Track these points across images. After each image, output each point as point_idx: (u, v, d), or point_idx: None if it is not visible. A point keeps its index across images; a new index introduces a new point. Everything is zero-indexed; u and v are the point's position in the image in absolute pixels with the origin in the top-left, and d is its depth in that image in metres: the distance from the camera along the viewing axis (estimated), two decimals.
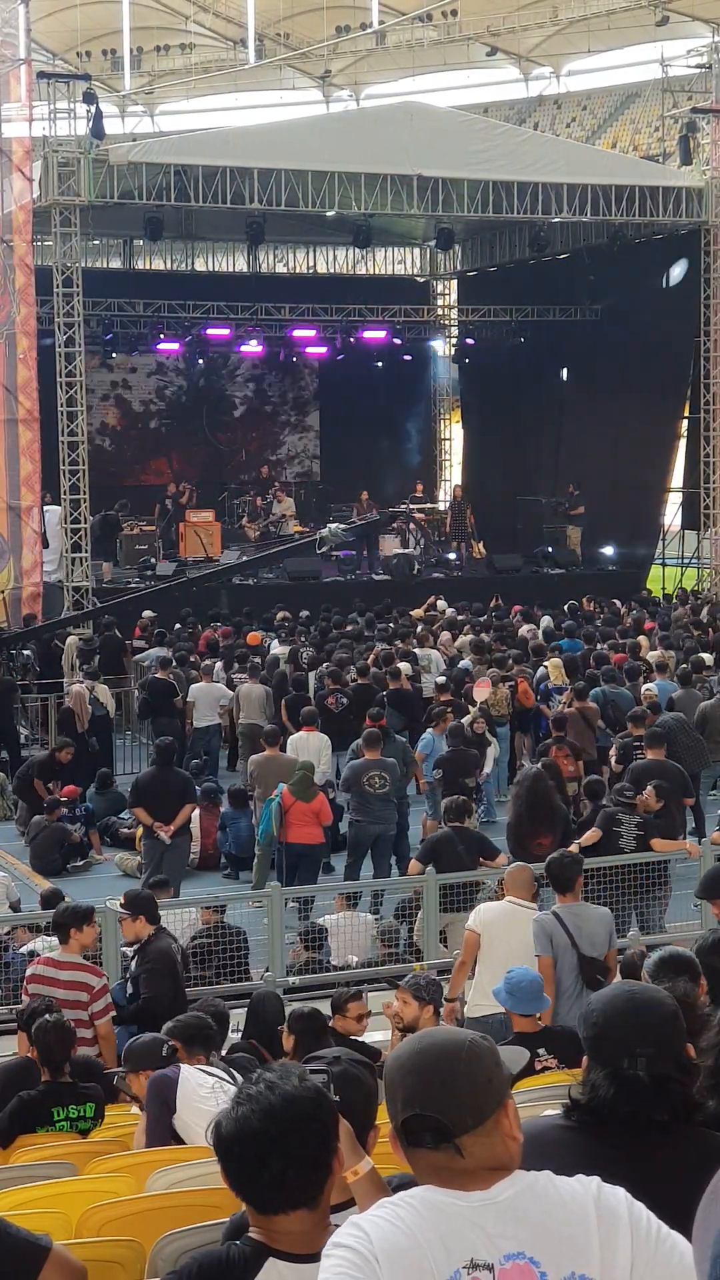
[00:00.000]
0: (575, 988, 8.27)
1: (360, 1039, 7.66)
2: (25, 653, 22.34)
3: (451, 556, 29.93)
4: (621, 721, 15.89)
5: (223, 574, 27.05)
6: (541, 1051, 6.84)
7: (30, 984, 8.19)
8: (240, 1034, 7.92)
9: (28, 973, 8.45)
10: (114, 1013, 8.45)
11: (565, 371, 32.98)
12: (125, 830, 16.42)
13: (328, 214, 26.82)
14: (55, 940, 10.91)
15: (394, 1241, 2.35)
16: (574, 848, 11.68)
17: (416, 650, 20.28)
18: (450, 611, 24.37)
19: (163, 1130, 6.13)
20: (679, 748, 14.61)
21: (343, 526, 28.49)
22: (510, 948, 8.60)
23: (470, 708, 16.74)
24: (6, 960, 10.98)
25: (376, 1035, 8.07)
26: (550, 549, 30.32)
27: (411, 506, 30.92)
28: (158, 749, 14.42)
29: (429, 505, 31.77)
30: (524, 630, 22.39)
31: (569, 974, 8.33)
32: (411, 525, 29.90)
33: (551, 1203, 2.42)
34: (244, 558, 28.26)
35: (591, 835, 12.10)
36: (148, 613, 23.40)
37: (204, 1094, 5.99)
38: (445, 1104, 2.45)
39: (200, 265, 36.39)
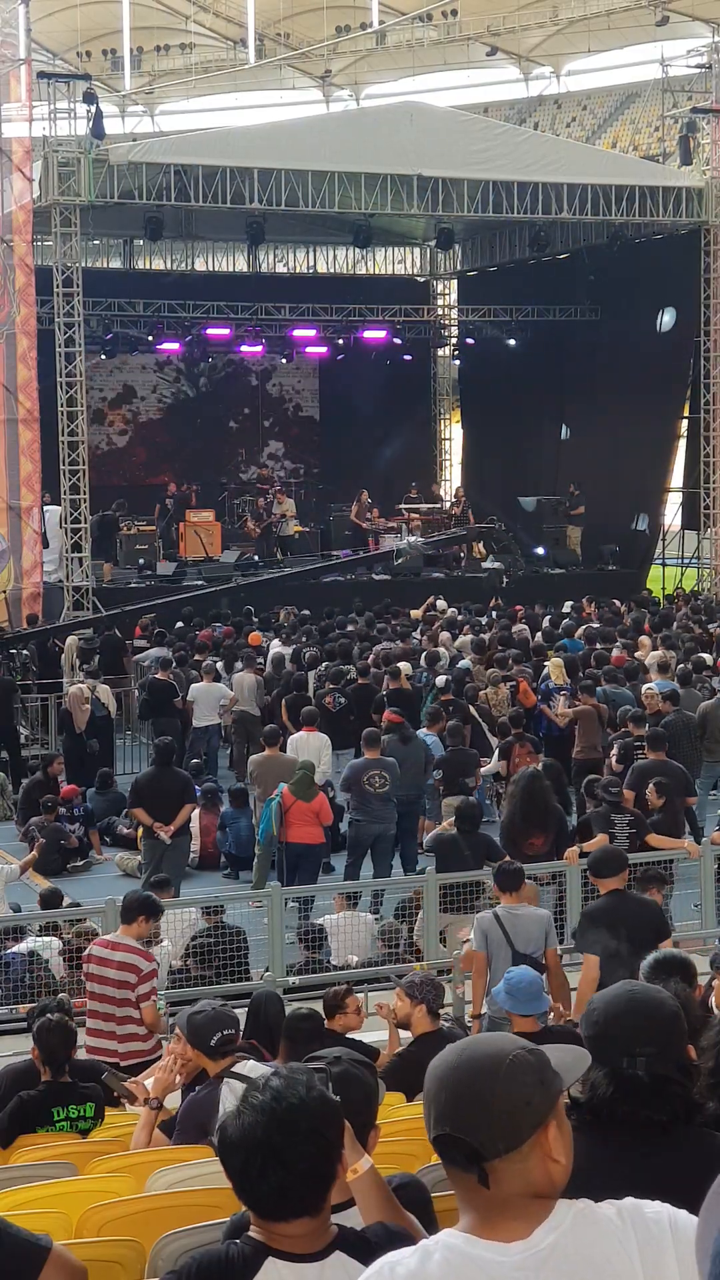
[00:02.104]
0: None
1: (358, 1037, 7.64)
2: (24, 653, 22.33)
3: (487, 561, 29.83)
4: (622, 721, 15.83)
5: (293, 577, 27.08)
6: None
7: (87, 963, 8.65)
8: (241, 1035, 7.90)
9: (86, 951, 8.88)
10: (156, 997, 8.68)
11: (565, 371, 32.95)
12: (125, 830, 16.41)
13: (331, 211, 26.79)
14: (50, 940, 10.97)
15: None
16: (574, 852, 11.63)
17: (435, 650, 20.15)
18: (451, 611, 24.34)
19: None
20: (680, 750, 14.55)
21: (422, 540, 28.35)
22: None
23: (471, 710, 16.73)
24: (5, 961, 10.95)
25: (372, 1035, 8.06)
26: (545, 550, 30.26)
27: (408, 508, 30.91)
28: (157, 749, 14.41)
29: (427, 506, 31.67)
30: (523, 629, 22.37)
31: (504, 968, 8.50)
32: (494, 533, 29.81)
33: (591, 1242, 2.32)
34: (325, 562, 27.99)
35: (599, 841, 11.98)
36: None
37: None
38: (477, 1126, 2.30)
39: (200, 265, 36.35)
